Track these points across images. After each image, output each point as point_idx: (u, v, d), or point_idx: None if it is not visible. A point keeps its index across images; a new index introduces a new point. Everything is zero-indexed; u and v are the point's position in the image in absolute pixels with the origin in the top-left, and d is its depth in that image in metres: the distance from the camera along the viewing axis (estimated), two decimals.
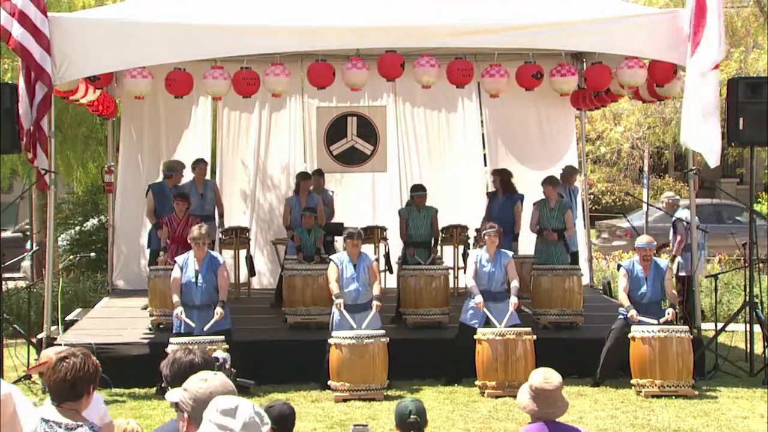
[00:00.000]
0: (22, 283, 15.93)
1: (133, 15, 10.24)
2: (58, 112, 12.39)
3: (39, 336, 10.55)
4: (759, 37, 18.21)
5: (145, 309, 11.85)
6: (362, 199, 14.87)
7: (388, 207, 14.66)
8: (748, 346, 10.88)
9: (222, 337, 9.53)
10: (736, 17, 18.17)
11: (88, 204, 18.82)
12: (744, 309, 10.95)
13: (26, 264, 17.98)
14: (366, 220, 13.82)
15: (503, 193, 12.44)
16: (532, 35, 10.38)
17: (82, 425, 4.00)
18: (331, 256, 10.70)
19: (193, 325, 9.71)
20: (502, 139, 14.92)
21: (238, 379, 8.99)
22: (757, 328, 10.96)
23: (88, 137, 16.33)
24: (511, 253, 10.60)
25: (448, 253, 13.55)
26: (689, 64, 10.05)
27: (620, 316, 10.20)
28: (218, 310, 9.75)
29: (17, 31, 9.49)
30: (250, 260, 13.60)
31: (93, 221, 18.82)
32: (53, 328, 10.85)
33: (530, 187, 13.13)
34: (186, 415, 3.61)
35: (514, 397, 9.38)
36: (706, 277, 12.92)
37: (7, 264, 11.67)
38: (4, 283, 11.45)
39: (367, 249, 12.08)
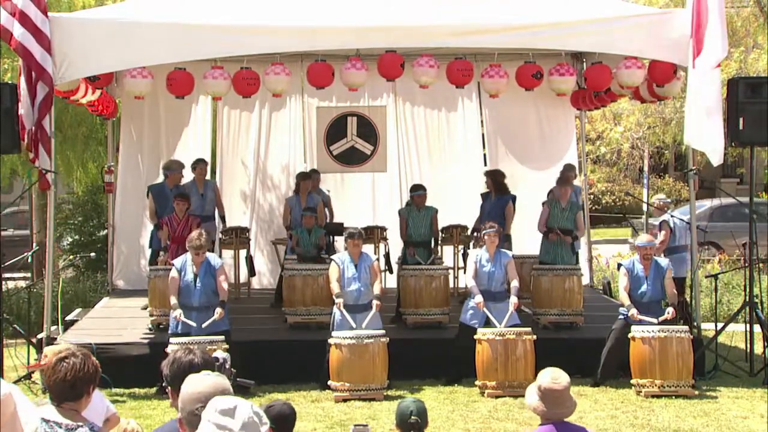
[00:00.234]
0: (22, 283, 15.93)
1: (133, 15, 10.24)
2: (58, 112, 12.40)
3: (39, 336, 10.55)
4: (759, 37, 18.22)
5: (145, 309, 11.85)
6: (362, 199, 14.87)
7: (388, 207, 14.66)
8: (748, 346, 10.88)
9: (222, 337, 9.54)
10: (736, 17, 18.17)
11: (88, 204, 18.81)
12: (744, 309, 10.96)
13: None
14: (366, 220, 13.82)
15: (495, 194, 12.43)
16: (532, 35, 10.38)
17: (82, 425, 4.00)
18: (332, 256, 10.70)
19: (194, 324, 9.72)
20: (502, 139, 14.92)
21: (238, 379, 9.01)
22: (757, 328, 10.96)
23: (88, 137, 16.33)
24: (511, 253, 10.60)
25: (448, 253, 13.54)
26: (695, 64, 10.01)
27: (620, 316, 10.20)
28: (218, 309, 9.77)
29: (18, 31, 9.50)
30: (250, 260, 13.60)
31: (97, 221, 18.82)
32: (53, 328, 10.86)
33: (530, 187, 13.13)
34: (179, 416, 3.63)
35: (515, 397, 9.51)
36: (706, 277, 12.92)
37: (7, 264, 11.65)
38: (4, 283, 11.45)
39: (367, 249, 12.08)
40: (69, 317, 12.26)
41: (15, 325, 11.04)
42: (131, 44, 9.96)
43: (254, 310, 12.79)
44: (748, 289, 10.86)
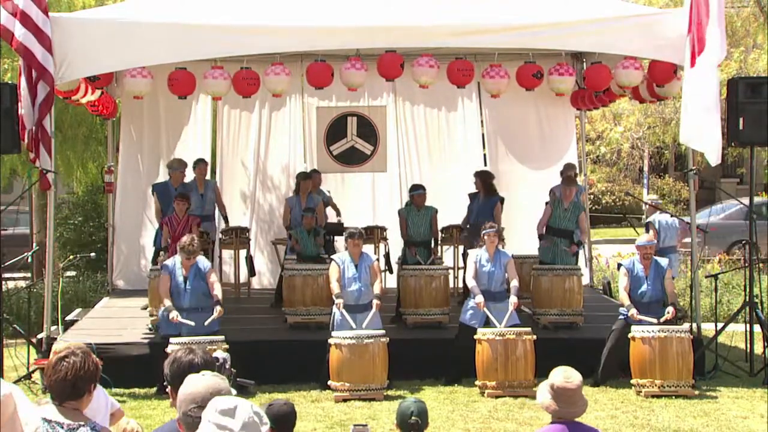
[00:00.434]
0: (22, 283, 15.93)
1: (133, 15, 10.24)
2: (58, 112, 12.39)
3: (39, 336, 10.55)
4: (759, 37, 18.24)
5: (145, 309, 11.86)
6: (362, 199, 14.87)
7: (388, 207, 14.66)
8: (748, 346, 10.88)
9: (222, 337, 9.54)
10: (736, 17, 18.19)
11: (88, 204, 18.82)
12: (744, 309, 10.95)
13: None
14: (366, 220, 13.82)
15: (485, 194, 12.43)
16: (532, 35, 10.38)
17: (83, 425, 4.00)
18: (332, 256, 10.70)
19: (192, 324, 9.71)
20: (502, 139, 14.92)
21: (238, 379, 9.02)
22: (757, 328, 10.96)
23: (88, 137, 16.33)
24: (510, 253, 10.59)
25: (448, 253, 13.55)
26: (697, 62, 10.00)
27: (621, 317, 10.20)
28: (217, 308, 9.79)
29: (20, 31, 9.50)
30: (250, 260, 13.61)
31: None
32: (53, 328, 10.86)
33: (530, 187, 13.14)
34: (178, 415, 3.64)
35: (515, 397, 9.52)
36: (706, 277, 12.92)
37: (7, 264, 11.65)
38: (4, 283, 11.45)
39: (368, 249, 12.08)
40: (69, 317, 12.26)
41: (15, 325, 11.04)
42: (131, 44, 9.96)
43: (254, 310, 12.80)
44: (748, 289, 10.86)
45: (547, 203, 12.02)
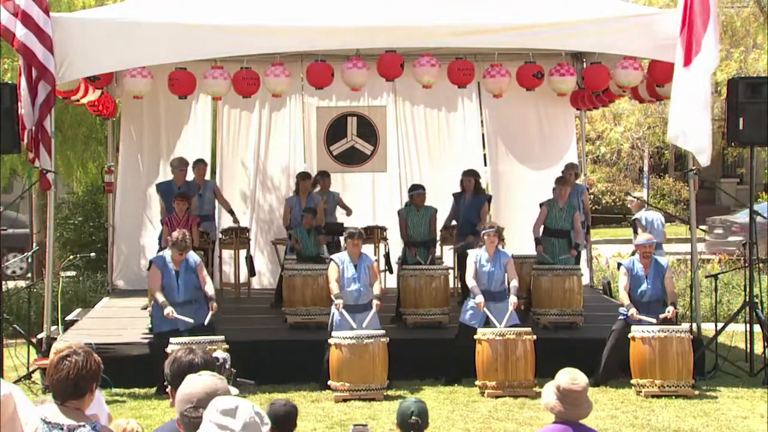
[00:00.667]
0: (22, 283, 15.94)
1: (133, 15, 10.24)
2: (58, 112, 12.39)
3: (39, 336, 10.55)
4: (759, 37, 18.24)
5: (145, 309, 11.85)
6: (362, 199, 14.87)
7: (388, 207, 14.66)
8: (748, 346, 10.88)
9: (222, 337, 9.54)
10: (736, 17, 18.20)
11: (88, 204, 18.83)
12: (744, 309, 10.95)
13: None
14: (366, 220, 13.81)
15: (473, 193, 12.43)
16: (532, 35, 10.38)
17: (84, 425, 3.99)
18: (331, 256, 10.70)
19: (191, 321, 9.73)
20: (502, 139, 14.91)
21: (238, 379, 9.01)
22: (757, 328, 10.96)
23: (88, 137, 16.33)
24: (510, 253, 10.59)
25: (448, 253, 13.54)
26: (692, 64, 10.00)
27: (621, 317, 10.20)
28: (213, 305, 9.83)
29: (20, 31, 9.50)
30: (250, 260, 13.61)
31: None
32: (53, 328, 10.86)
33: (531, 187, 13.13)
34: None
35: (515, 397, 9.52)
36: (706, 277, 12.93)
37: (7, 264, 11.65)
38: (4, 283, 11.45)
39: (367, 249, 12.09)
40: (69, 317, 12.26)
41: (15, 325, 11.04)
42: (131, 44, 9.96)
43: (254, 310, 12.80)
44: (748, 289, 10.86)
45: (541, 205, 12.01)
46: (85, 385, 4.02)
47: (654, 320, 9.87)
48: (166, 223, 11.73)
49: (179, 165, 12.84)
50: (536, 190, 12.95)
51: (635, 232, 13.07)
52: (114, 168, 14.26)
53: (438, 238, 12.60)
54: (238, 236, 13.37)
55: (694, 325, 10.58)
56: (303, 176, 12.97)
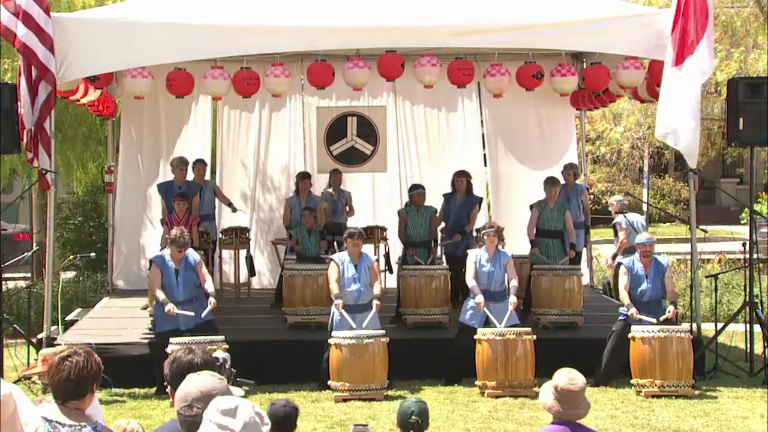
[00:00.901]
0: (22, 283, 15.94)
1: (133, 15, 10.24)
2: (58, 112, 12.39)
3: (39, 336, 10.54)
4: (759, 37, 18.23)
5: (145, 309, 11.86)
6: (362, 199, 14.86)
7: (388, 207, 14.66)
8: (748, 346, 10.88)
9: (222, 337, 9.55)
10: (736, 17, 18.19)
11: (88, 204, 18.84)
12: (744, 309, 10.96)
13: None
14: (366, 220, 13.82)
15: (464, 194, 12.43)
16: (532, 35, 10.38)
17: (86, 425, 3.99)
18: (331, 256, 10.70)
19: (192, 314, 9.73)
20: (502, 139, 14.92)
21: (238, 379, 9.01)
22: (757, 328, 10.96)
23: (88, 137, 16.34)
24: (510, 253, 10.59)
25: None
26: (685, 65, 10.00)
27: (621, 317, 10.19)
28: (211, 300, 9.83)
29: (22, 31, 9.51)
30: (250, 260, 13.61)
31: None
32: (53, 328, 10.85)
33: (531, 187, 13.13)
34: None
35: (515, 397, 9.52)
36: (706, 277, 12.93)
37: (7, 264, 11.66)
38: (4, 283, 11.45)
39: (367, 249, 12.08)
40: (69, 317, 12.27)
41: (15, 325, 11.04)
42: (131, 44, 9.96)
43: (254, 310, 12.80)
44: (748, 289, 10.86)
45: (531, 207, 12.01)
46: (85, 385, 4.02)
47: (654, 320, 9.87)
48: (167, 223, 11.74)
49: (179, 164, 12.83)
50: (536, 191, 12.93)
51: (615, 235, 13.17)
52: (114, 168, 14.27)
53: (438, 238, 12.59)
54: (238, 236, 13.37)
55: (694, 325, 10.58)
56: (303, 176, 12.97)
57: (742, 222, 21.62)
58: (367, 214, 14.50)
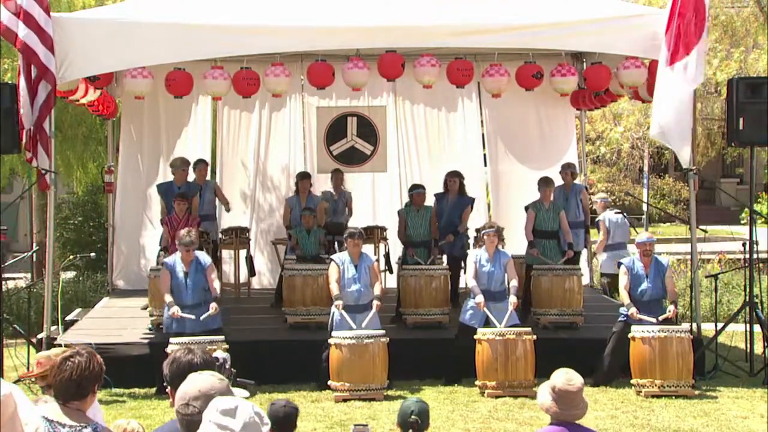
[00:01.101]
0: (22, 283, 15.94)
1: (133, 15, 10.24)
2: (58, 112, 12.39)
3: (39, 336, 10.54)
4: (759, 37, 18.24)
5: (145, 309, 11.86)
6: (362, 199, 14.87)
7: (388, 207, 14.66)
8: (748, 346, 10.88)
9: (222, 337, 9.55)
10: (736, 17, 18.20)
11: (88, 204, 18.84)
12: (744, 309, 10.96)
13: None
14: (366, 220, 13.82)
15: (456, 195, 12.43)
16: (532, 35, 10.38)
17: (86, 426, 3.99)
18: (331, 256, 10.70)
19: (193, 317, 9.73)
20: (502, 139, 14.92)
21: (238, 379, 9.00)
22: (757, 328, 10.96)
23: (88, 137, 16.34)
24: (510, 253, 10.59)
25: None
26: (677, 66, 10.00)
27: (621, 317, 10.19)
28: (213, 305, 9.82)
29: (23, 31, 9.51)
30: (250, 260, 13.61)
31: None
32: (53, 328, 10.85)
33: (530, 187, 13.10)
34: None
35: (515, 397, 9.52)
36: (706, 277, 12.93)
37: (7, 264, 11.66)
38: (4, 283, 11.45)
39: (367, 249, 12.08)
40: (69, 317, 12.27)
41: (15, 325, 11.04)
42: (131, 44, 9.96)
43: (254, 310, 12.80)
44: (748, 289, 10.86)
45: (526, 208, 12.01)
46: (87, 386, 4.02)
47: (654, 320, 9.87)
48: (166, 223, 11.74)
49: (181, 165, 12.83)
50: (536, 191, 12.94)
51: (599, 232, 13.23)
52: (114, 168, 14.26)
53: (438, 237, 12.59)
54: (238, 236, 13.37)
55: (694, 325, 10.58)
56: (303, 176, 12.97)
57: (742, 222, 21.70)
58: (367, 214, 14.50)
